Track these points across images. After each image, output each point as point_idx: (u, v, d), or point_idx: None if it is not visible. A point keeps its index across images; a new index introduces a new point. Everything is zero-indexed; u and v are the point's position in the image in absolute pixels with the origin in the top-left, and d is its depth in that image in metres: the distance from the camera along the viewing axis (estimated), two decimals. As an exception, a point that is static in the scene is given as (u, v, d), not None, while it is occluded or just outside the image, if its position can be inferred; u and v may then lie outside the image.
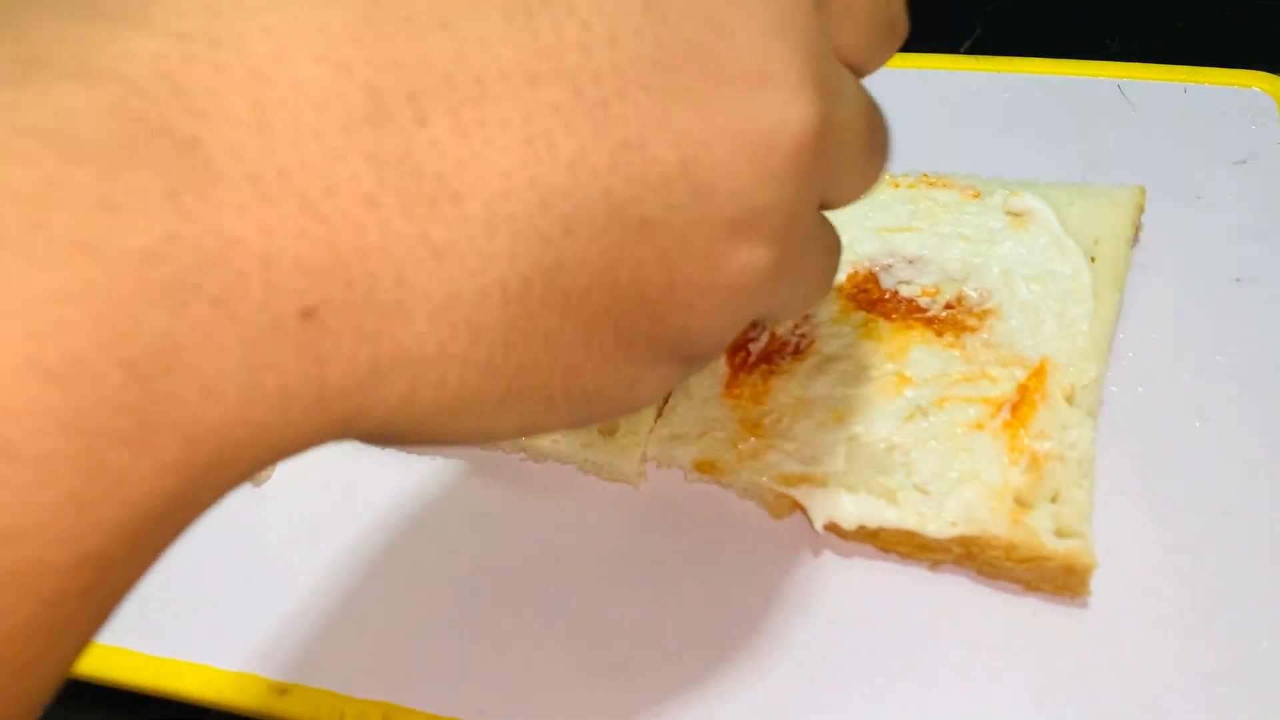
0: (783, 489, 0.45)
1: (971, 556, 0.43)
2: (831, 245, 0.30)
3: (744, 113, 0.23)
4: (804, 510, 0.44)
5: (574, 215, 0.22)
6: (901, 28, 0.30)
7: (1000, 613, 0.42)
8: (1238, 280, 0.51)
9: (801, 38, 0.24)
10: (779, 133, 0.23)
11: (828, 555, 0.45)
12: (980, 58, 0.64)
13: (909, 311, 0.49)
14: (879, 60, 0.30)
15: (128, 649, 0.46)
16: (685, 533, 0.47)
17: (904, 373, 0.47)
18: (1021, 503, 0.42)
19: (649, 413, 0.49)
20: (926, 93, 0.63)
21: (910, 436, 0.45)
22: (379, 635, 0.45)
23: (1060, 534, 0.41)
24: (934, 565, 0.44)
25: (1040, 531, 0.41)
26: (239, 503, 0.48)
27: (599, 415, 0.26)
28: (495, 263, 0.21)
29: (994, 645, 0.41)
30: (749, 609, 0.44)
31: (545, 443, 0.48)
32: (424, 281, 0.21)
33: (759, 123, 0.23)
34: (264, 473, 0.52)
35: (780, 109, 0.23)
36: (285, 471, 0.51)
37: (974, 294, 0.49)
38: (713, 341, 0.26)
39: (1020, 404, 0.45)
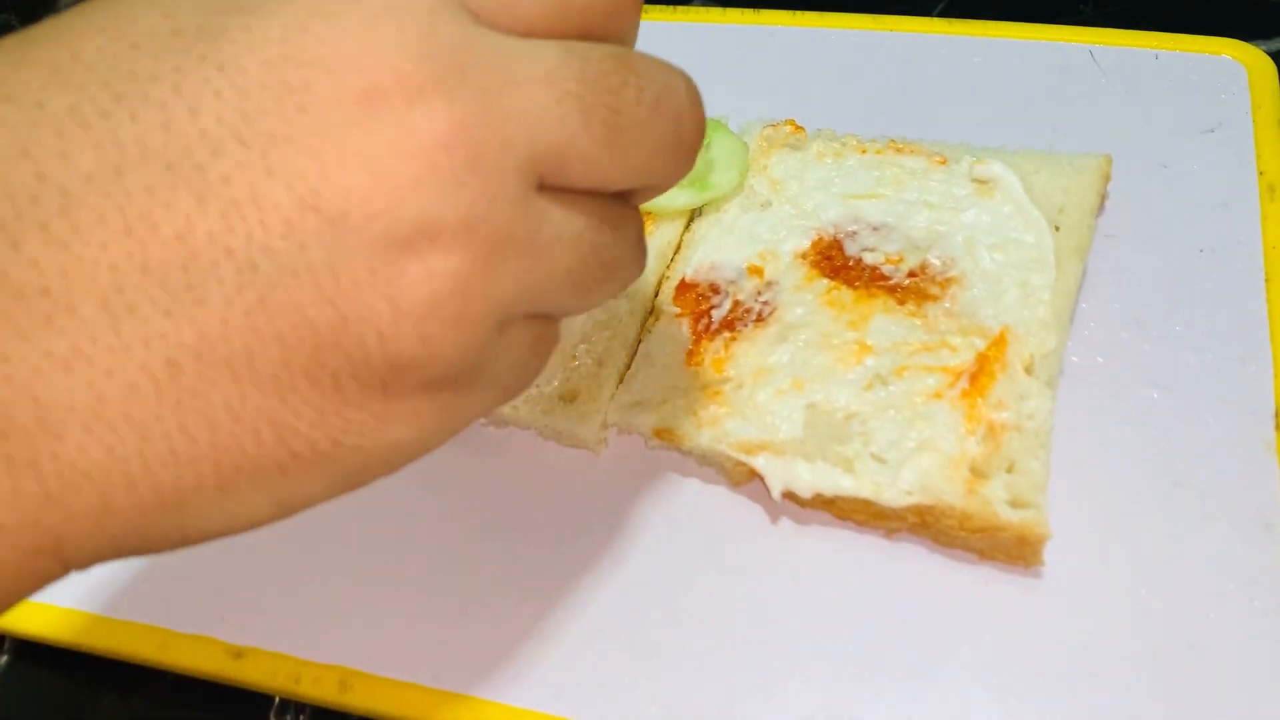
0: (741, 457, 0.45)
1: (927, 525, 0.43)
2: (579, 230, 0.27)
3: (359, 134, 0.23)
4: (762, 478, 0.45)
5: (199, 285, 0.22)
6: None
7: (954, 581, 0.43)
8: (1201, 251, 0.51)
9: (416, 44, 0.23)
10: (404, 141, 0.23)
11: (785, 523, 0.45)
12: (952, 20, 0.64)
13: (872, 279, 0.49)
14: (605, 19, 0.27)
15: (85, 611, 0.46)
16: (644, 499, 0.47)
17: (865, 341, 0.47)
18: (977, 472, 0.43)
19: (610, 378, 0.49)
20: (896, 55, 0.63)
21: (869, 405, 0.45)
22: (336, 599, 0.45)
23: (1015, 504, 0.41)
24: (890, 533, 0.44)
25: (995, 502, 0.42)
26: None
27: (365, 468, 0.26)
28: (131, 355, 0.21)
29: (947, 613, 0.42)
30: (705, 575, 0.44)
31: (505, 409, 0.48)
32: (62, 395, 0.21)
33: (378, 138, 0.23)
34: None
35: (399, 119, 0.23)
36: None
37: (937, 262, 0.49)
38: (451, 360, 0.24)
39: (979, 374, 0.45)
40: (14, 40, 0.23)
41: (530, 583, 0.45)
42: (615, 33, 0.28)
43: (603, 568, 0.45)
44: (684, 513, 0.46)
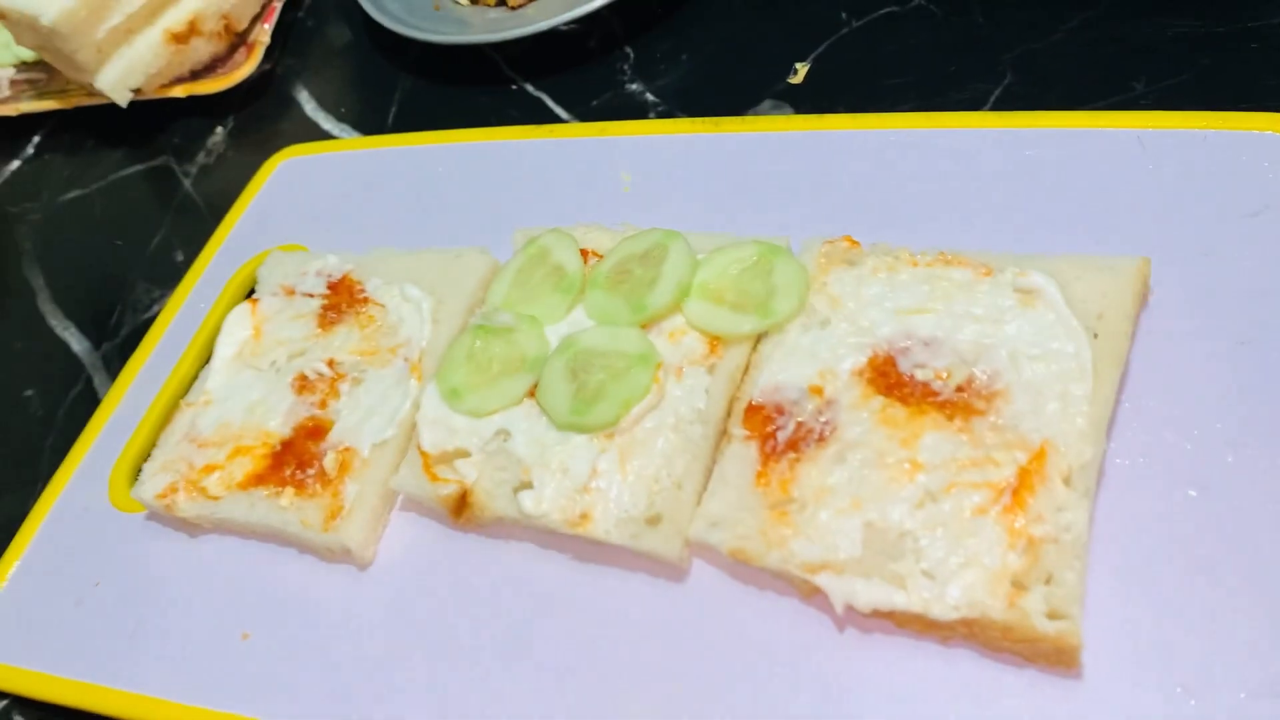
0: (806, 576, 0.50)
1: (974, 635, 0.48)
2: None
3: None
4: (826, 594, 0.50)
5: None
6: None
7: (1001, 685, 0.47)
8: (1242, 344, 0.53)
9: None
10: None
11: (851, 632, 0.51)
12: (1003, 114, 0.67)
13: (923, 395, 0.54)
14: None
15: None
16: (724, 607, 0.53)
17: (917, 459, 0.52)
18: (1018, 585, 0.47)
19: (690, 501, 0.55)
20: (950, 152, 0.66)
21: (920, 523, 0.50)
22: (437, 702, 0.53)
23: (1051, 616, 0.46)
24: (944, 640, 0.49)
25: (1033, 614, 0.46)
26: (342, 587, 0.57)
27: None
28: None
29: (995, 714, 0.47)
30: (774, 685, 0.50)
31: (598, 533, 0.55)
32: None
33: None
34: (368, 553, 0.60)
35: None
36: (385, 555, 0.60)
37: (983, 376, 0.53)
38: None
39: (1020, 488, 0.49)
40: None
41: (620, 692, 0.52)
42: None
43: (679, 672, 0.51)
44: (759, 623, 0.52)
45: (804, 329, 0.59)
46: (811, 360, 0.57)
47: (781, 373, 0.57)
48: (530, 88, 0.88)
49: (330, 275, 0.72)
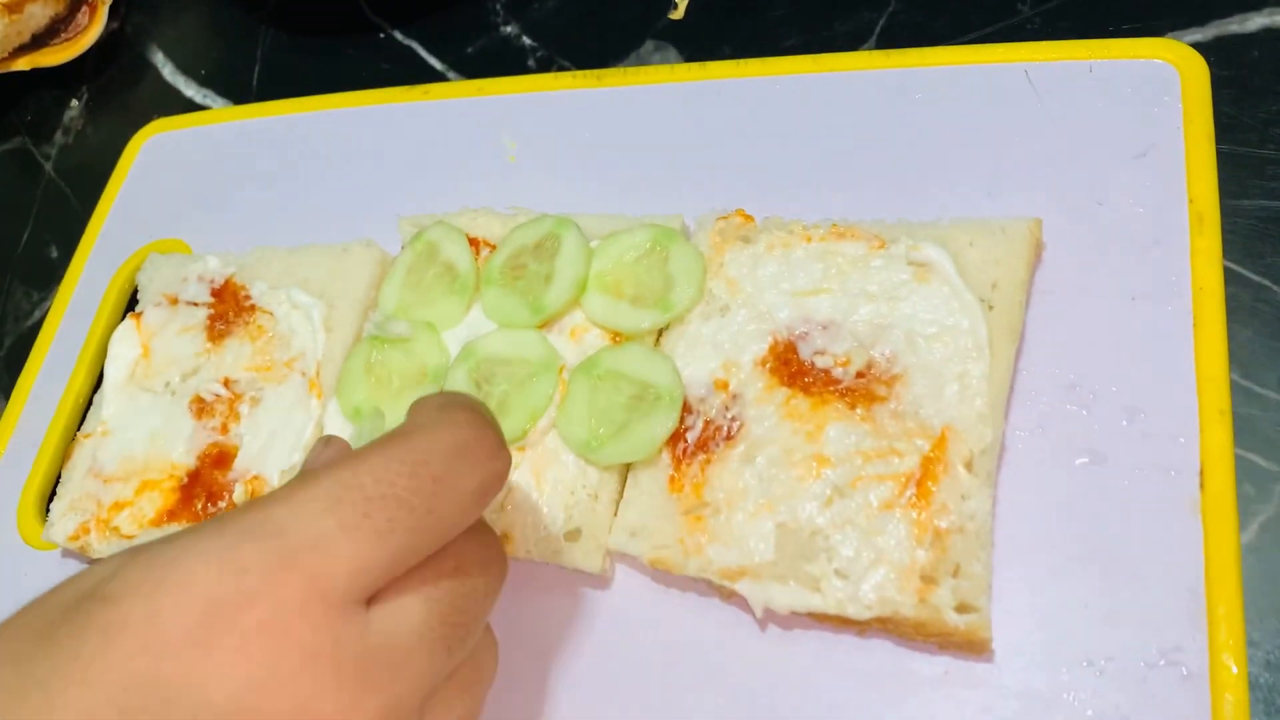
0: (724, 583, 0.51)
1: (889, 628, 0.50)
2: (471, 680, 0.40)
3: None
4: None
5: None
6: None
7: (918, 674, 0.49)
8: (1133, 298, 0.54)
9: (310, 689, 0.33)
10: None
11: (772, 629, 0.52)
12: (889, 52, 0.65)
13: (825, 384, 0.54)
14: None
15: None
16: (647, 616, 0.54)
17: (823, 453, 0.52)
18: (927, 579, 0.49)
19: (607, 511, 0.55)
20: (836, 99, 0.65)
21: (830, 521, 0.51)
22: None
23: (960, 609, 0.48)
24: (861, 632, 0.51)
25: (943, 608, 0.48)
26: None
27: None
28: None
29: (913, 703, 0.49)
30: (701, 686, 0.52)
31: (519, 551, 0.55)
32: None
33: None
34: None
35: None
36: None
37: (882, 359, 0.53)
38: None
39: (924, 478, 0.50)
40: None
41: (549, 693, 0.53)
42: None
43: (609, 680, 0.53)
44: (683, 626, 0.53)
45: (704, 317, 0.58)
46: (714, 351, 0.57)
47: (686, 367, 0.57)
48: (399, 35, 0.83)
49: (213, 281, 0.69)
